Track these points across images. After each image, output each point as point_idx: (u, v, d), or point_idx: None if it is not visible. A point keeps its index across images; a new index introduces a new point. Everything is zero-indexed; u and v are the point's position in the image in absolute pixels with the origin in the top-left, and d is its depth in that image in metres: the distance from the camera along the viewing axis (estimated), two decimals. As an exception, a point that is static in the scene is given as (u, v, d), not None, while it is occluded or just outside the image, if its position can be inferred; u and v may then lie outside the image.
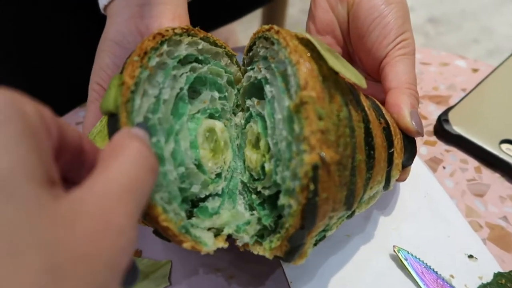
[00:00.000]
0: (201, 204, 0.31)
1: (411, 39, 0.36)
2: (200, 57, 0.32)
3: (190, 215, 0.30)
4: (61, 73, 0.55)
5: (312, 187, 0.24)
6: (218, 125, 0.32)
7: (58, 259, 0.14)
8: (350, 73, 0.28)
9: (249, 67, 0.33)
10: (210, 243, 0.27)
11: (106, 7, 0.38)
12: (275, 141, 0.28)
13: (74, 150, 0.21)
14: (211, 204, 0.31)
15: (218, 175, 0.32)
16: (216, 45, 0.33)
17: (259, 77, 0.31)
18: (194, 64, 0.31)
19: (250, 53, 0.33)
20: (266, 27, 0.29)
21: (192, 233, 0.27)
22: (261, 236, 0.29)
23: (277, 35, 0.28)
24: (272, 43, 0.29)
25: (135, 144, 0.20)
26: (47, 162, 0.17)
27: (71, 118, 0.49)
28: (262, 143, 0.31)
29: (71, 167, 0.21)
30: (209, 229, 0.29)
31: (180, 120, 0.29)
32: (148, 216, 0.25)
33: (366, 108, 0.30)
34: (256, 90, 0.33)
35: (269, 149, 0.29)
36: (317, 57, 0.27)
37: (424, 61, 0.56)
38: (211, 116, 0.33)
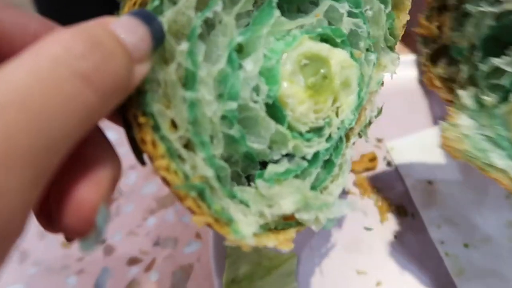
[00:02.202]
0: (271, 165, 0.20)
1: None
2: None
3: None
4: None
5: None
6: (337, 54, 0.21)
7: None
8: None
9: None
10: (246, 233, 0.17)
11: None
12: None
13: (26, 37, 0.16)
14: (274, 167, 0.20)
15: (316, 131, 0.21)
16: None
17: None
18: None
19: None
20: None
21: (212, 204, 0.17)
22: None
23: None
24: None
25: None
26: None
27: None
28: None
29: None
30: (261, 215, 0.19)
31: (251, 31, 0.19)
32: (144, 151, 0.16)
33: None
34: None
35: None
36: None
37: None
38: (327, 41, 0.21)
